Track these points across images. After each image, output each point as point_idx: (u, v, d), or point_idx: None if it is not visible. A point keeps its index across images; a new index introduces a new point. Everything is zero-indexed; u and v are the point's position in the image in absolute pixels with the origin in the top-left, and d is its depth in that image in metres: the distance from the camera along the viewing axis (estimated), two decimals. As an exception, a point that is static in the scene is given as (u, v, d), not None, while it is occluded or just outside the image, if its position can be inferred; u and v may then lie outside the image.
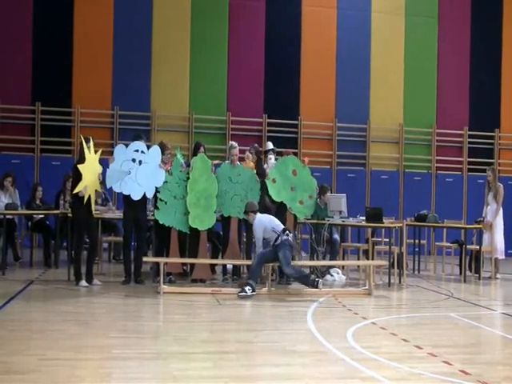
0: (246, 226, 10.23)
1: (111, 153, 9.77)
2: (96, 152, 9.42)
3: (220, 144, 15.23)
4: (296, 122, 16.23)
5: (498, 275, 11.72)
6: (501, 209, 11.78)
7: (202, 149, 10.18)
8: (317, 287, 9.14)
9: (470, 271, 11.79)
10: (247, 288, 8.87)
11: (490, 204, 11.83)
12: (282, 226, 9.41)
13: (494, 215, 11.71)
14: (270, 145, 11.15)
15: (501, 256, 11.77)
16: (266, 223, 9.35)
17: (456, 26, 17.16)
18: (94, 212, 9.53)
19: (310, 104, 16.29)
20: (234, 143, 10.52)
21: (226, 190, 10.08)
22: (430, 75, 17.04)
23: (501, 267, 11.99)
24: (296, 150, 15.46)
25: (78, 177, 9.08)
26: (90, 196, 9.25)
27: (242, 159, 10.70)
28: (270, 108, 16.05)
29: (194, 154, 10.22)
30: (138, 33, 15.55)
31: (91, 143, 9.31)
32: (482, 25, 17.27)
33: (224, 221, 10.19)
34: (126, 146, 9.67)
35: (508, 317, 8.22)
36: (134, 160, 9.51)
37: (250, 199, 9.88)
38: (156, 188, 9.68)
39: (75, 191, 9.12)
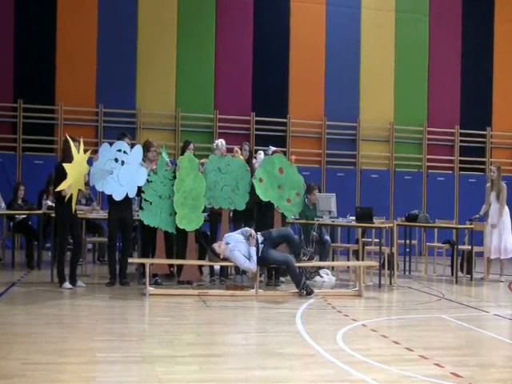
0: (234, 224, 10.14)
1: (96, 151, 9.77)
2: (85, 152, 9.31)
3: (207, 142, 14.96)
4: (285, 120, 16.16)
5: (503, 278, 11.50)
6: (506, 207, 11.58)
7: (191, 146, 10.08)
8: (308, 294, 9.02)
9: (462, 272, 11.75)
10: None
11: (493, 203, 11.58)
12: (244, 232, 9.38)
13: (498, 215, 11.46)
14: (274, 149, 10.95)
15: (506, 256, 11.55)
16: (238, 245, 9.19)
17: (447, 23, 17.14)
18: (75, 211, 9.38)
19: (298, 102, 16.22)
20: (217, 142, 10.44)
21: (216, 181, 9.96)
22: (421, 73, 17.03)
23: (493, 267, 11.82)
24: (285, 149, 15.43)
25: (62, 175, 8.94)
26: (71, 195, 9.11)
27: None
28: (258, 106, 15.96)
29: (182, 152, 10.11)
30: (123, 28, 15.39)
31: (81, 144, 9.19)
32: (473, 22, 17.26)
33: (212, 215, 10.08)
34: (111, 144, 9.62)
35: (500, 318, 8.17)
36: (116, 160, 9.45)
37: (241, 189, 9.86)
38: (140, 187, 9.55)
39: (58, 189, 8.98)
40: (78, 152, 9.12)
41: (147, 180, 9.58)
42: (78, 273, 9.55)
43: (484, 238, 11.56)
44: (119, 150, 9.47)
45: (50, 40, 15.03)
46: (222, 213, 10.03)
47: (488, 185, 11.86)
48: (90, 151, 9.40)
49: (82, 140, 9.25)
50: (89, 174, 9.39)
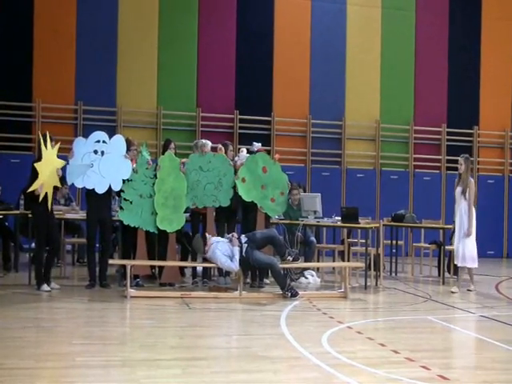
0: (217, 225, 10.06)
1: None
2: (53, 147, 9.07)
3: (190, 141, 14.78)
4: (269, 119, 16.02)
5: (472, 287, 10.30)
6: (473, 209, 9.99)
7: (172, 145, 10.01)
8: (293, 296, 9.00)
9: (449, 273, 11.69)
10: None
11: (458, 201, 9.99)
12: (226, 236, 9.39)
13: (468, 218, 9.82)
14: (258, 145, 10.76)
15: (472, 264, 10.11)
16: (219, 245, 9.14)
17: (434, 20, 17.06)
18: (50, 208, 9.14)
19: (283, 100, 16.09)
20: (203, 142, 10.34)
21: (198, 180, 9.84)
22: (408, 70, 16.95)
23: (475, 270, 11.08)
24: (269, 148, 15.29)
25: (35, 175, 8.80)
26: (46, 193, 8.90)
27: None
28: (242, 104, 15.81)
29: (164, 151, 10.04)
30: (103, 23, 15.17)
31: (48, 140, 8.96)
32: (460, 19, 17.21)
33: (194, 215, 9.96)
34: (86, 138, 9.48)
35: (487, 319, 8.13)
36: (95, 151, 9.29)
37: (225, 185, 9.78)
38: (122, 181, 9.41)
39: (30, 190, 8.81)
40: (46, 147, 8.89)
41: (127, 179, 9.41)
42: (56, 275, 9.52)
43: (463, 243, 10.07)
44: (97, 141, 9.31)
45: (26, 34, 14.75)
46: (203, 213, 9.92)
47: (456, 180, 10.24)
48: (58, 144, 9.11)
49: (47, 133, 9.01)
50: (62, 168, 9.13)
